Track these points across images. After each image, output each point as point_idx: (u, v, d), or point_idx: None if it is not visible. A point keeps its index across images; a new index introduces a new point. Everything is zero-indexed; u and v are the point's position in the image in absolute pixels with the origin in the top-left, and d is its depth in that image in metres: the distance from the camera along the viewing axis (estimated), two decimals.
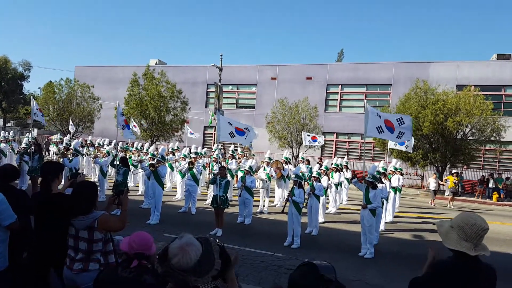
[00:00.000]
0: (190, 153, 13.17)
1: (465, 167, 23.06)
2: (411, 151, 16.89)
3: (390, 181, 11.40)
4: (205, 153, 15.51)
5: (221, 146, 12.03)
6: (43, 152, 15.18)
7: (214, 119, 24.26)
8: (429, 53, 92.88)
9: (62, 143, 16.81)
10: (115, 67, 35.86)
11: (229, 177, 10.43)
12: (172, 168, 14.34)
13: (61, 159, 13.86)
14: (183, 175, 12.75)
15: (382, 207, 9.27)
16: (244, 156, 15.47)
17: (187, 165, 11.75)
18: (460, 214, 2.46)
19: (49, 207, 3.45)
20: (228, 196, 10.02)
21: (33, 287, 3.41)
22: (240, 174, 12.38)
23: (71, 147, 13.51)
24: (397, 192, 12.60)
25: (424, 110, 19.73)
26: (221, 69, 26.08)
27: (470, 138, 20.43)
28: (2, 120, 42.52)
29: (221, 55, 26.17)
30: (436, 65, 26.33)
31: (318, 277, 2.04)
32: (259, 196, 12.33)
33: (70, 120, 24.63)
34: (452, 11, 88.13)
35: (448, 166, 21.62)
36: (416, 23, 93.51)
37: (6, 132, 19.19)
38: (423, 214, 14.00)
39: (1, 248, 3.23)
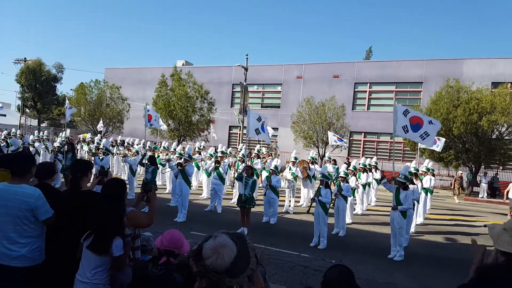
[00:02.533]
0: (216, 152, 13.24)
1: (500, 167, 22.09)
2: (440, 151, 16.33)
3: (421, 182, 11.06)
4: (230, 152, 15.58)
5: (246, 145, 12.00)
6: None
7: (242, 118, 24.32)
8: (463, 50, 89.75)
9: (93, 143, 17.33)
10: (143, 68, 36.67)
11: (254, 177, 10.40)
12: (198, 167, 14.48)
13: (93, 158, 14.28)
14: (208, 174, 12.84)
15: (413, 209, 8.98)
16: (270, 155, 15.42)
17: (213, 164, 11.81)
18: None
19: (78, 204, 3.51)
20: (254, 196, 10.00)
21: (64, 283, 3.48)
22: (265, 173, 12.34)
23: (102, 146, 13.91)
24: (429, 194, 12.20)
25: (455, 109, 19.02)
26: (246, 69, 26.15)
27: (506, 138, 19.53)
28: (36, 120, 44.30)
29: (247, 55, 26.31)
30: (470, 62, 25.31)
31: (353, 282, 2.02)
32: (285, 196, 12.24)
33: (101, 120, 25.34)
34: (485, 5, 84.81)
35: (483, 167, 20.77)
36: (448, 19, 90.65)
37: (41, 132, 20.00)
38: (455, 217, 13.50)
39: (39, 242, 3.31)
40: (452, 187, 20.20)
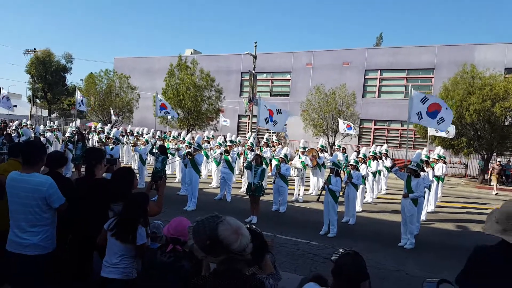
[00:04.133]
0: (225, 141, 13.24)
1: None
2: (452, 137, 16.08)
3: (433, 170, 10.94)
4: (239, 141, 15.56)
5: (255, 134, 11.98)
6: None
7: (249, 108, 24.31)
8: (475, 35, 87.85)
9: (103, 132, 17.47)
10: (152, 57, 36.60)
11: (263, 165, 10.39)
12: (207, 156, 14.53)
13: (103, 148, 14.36)
14: (218, 163, 12.87)
15: (424, 197, 8.90)
16: (279, 144, 15.38)
17: (217, 151, 11.87)
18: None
19: (93, 192, 3.55)
20: (263, 184, 9.99)
21: (77, 271, 3.52)
22: (274, 162, 12.32)
23: (112, 136, 14.01)
24: (440, 181, 12.08)
25: (470, 96, 18.64)
26: (255, 57, 25.93)
27: None
28: (47, 110, 44.71)
29: (256, 43, 26.02)
30: (483, 47, 24.73)
31: (364, 268, 2.04)
32: (294, 185, 12.23)
33: (112, 111, 25.48)
34: None
35: (495, 154, 20.44)
36: (459, 3, 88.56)
37: (51, 122, 20.21)
38: (466, 204, 13.36)
39: (51, 230, 3.35)
40: (489, 177, 18.76)
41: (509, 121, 19.09)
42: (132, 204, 3.19)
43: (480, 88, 18.66)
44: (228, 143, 12.69)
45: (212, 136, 16.41)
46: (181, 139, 14.95)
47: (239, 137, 17.59)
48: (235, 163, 12.52)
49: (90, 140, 20.73)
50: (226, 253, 1.84)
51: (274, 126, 9.74)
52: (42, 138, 15.53)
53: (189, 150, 10.48)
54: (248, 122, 27.75)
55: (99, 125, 20.77)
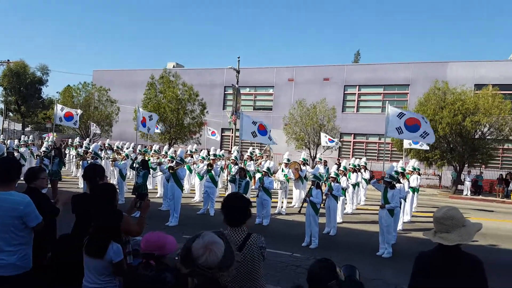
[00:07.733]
0: (209, 155, 13.27)
1: (483, 166, 22.65)
2: (428, 148, 16.68)
3: (408, 181, 11.31)
4: (222, 155, 15.60)
5: (239, 147, 12.08)
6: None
7: (234, 120, 24.39)
8: (447, 53, 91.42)
9: (81, 147, 17.10)
10: (133, 70, 36.38)
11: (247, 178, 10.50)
12: (190, 170, 14.45)
13: (81, 162, 14.06)
14: (201, 177, 12.83)
15: (400, 207, 9.22)
16: (263, 157, 15.49)
17: (205, 167, 11.84)
18: None
19: (88, 207, 3.54)
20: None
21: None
22: (258, 175, 12.44)
23: (90, 150, 13.75)
24: (415, 192, 12.49)
25: (442, 111, 19.45)
26: (238, 72, 26.24)
27: (488, 137, 20.09)
28: (21, 124, 43.48)
29: (239, 58, 26.44)
30: (454, 64, 25.91)
31: (333, 271, 2.19)
32: (277, 197, 12.37)
33: (91, 123, 25.04)
34: (468, 9, 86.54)
35: (466, 166, 21.27)
36: (432, 23, 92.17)
37: (26, 137, 19.58)
38: None
39: (27, 249, 3.28)
40: None
41: (479, 135, 19.98)
42: (106, 218, 3.11)
43: (451, 103, 19.50)
44: (211, 157, 12.70)
45: (195, 150, 16.37)
46: (163, 153, 14.83)
47: (222, 151, 17.64)
48: (218, 176, 12.56)
49: (67, 155, 20.23)
50: (193, 266, 1.88)
51: (268, 138, 10.11)
52: (16, 153, 14.89)
53: (171, 165, 10.40)
54: (232, 136, 27.86)
55: (76, 139, 20.34)
